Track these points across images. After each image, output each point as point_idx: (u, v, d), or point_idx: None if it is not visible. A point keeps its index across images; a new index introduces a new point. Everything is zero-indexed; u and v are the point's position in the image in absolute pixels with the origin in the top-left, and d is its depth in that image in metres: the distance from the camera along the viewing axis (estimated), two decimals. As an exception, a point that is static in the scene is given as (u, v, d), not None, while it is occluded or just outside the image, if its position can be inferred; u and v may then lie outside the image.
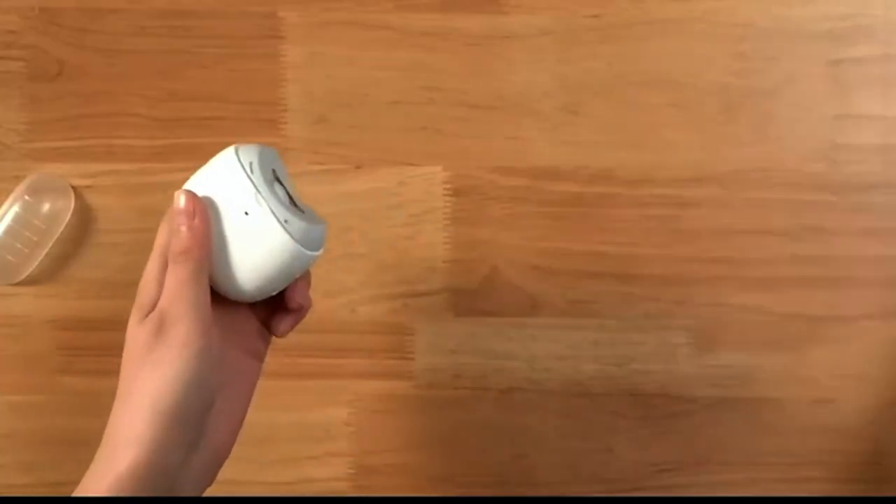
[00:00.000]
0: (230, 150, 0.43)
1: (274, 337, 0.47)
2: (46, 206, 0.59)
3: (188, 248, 0.42)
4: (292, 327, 0.46)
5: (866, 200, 0.60)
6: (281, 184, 0.44)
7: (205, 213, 0.42)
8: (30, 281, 0.59)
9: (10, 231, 0.58)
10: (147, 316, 0.42)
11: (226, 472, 0.60)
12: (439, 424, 0.60)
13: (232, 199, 0.43)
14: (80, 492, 0.40)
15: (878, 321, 0.60)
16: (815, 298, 0.60)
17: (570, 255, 0.60)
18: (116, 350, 0.59)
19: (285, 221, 0.42)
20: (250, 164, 0.43)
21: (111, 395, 0.59)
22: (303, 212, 0.44)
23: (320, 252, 0.44)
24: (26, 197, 0.59)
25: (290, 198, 0.44)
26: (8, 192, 0.59)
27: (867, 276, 0.60)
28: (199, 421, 0.42)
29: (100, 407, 0.59)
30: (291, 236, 0.42)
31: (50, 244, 0.59)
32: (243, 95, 0.60)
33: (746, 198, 0.60)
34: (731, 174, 0.60)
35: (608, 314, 0.60)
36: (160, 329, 0.41)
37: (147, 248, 0.59)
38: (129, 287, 0.59)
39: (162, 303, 0.42)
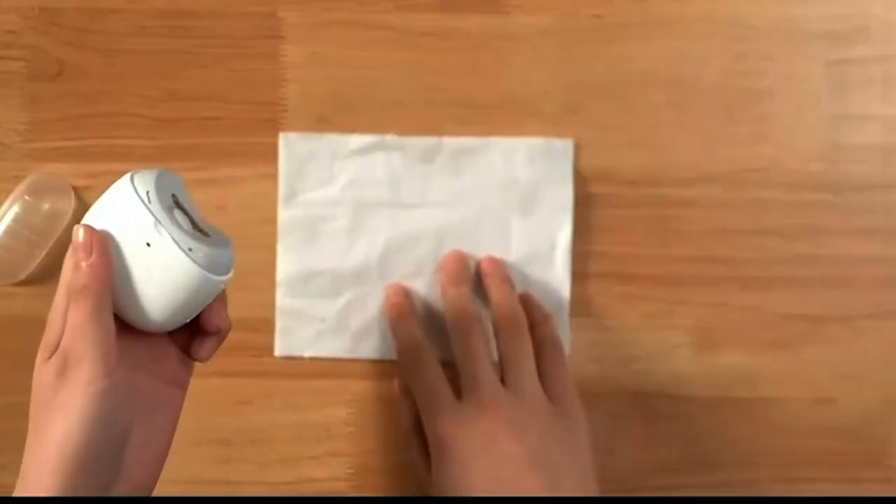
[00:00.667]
0: (126, 179, 0.43)
1: (197, 361, 0.46)
2: (46, 206, 0.59)
3: (86, 284, 0.41)
4: (214, 351, 0.46)
5: (866, 200, 0.60)
6: (182, 209, 0.44)
7: (103, 247, 0.41)
8: (30, 281, 0.59)
9: (10, 231, 0.58)
10: (51, 355, 0.41)
11: (225, 472, 0.60)
12: (439, 424, 0.60)
13: (132, 230, 0.42)
14: None
15: (878, 321, 0.60)
16: (815, 298, 0.60)
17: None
18: (116, 350, 0.59)
19: (189, 249, 0.42)
20: (147, 192, 0.42)
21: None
22: (208, 235, 0.44)
23: (230, 275, 0.44)
24: (26, 197, 0.59)
25: (193, 223, 0.44)
26: (8, 192, 0.59)
27: (867, 276, 0.60)
28: (111, 461, 0.41)
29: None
30: (197, 264, 0.42)
31: (50, 244, 0.59)
32: (243, 95, 0.60)
33: (746, 198, 0.60)
34: (731, 174, 0.60)
35: (608, 314, 0.60)
36: (63, 370, 0.41)
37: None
38: (129, 287, 0.59)
39: (64, 342, 0.41)
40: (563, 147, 0.59)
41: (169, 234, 0.42)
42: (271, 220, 0.59)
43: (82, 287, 0.41)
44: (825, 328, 0.60)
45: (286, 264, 0.59)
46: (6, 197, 0.59)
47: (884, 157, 0.60)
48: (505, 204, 0.60)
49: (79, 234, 0.42)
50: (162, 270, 0.42)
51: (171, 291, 0.42)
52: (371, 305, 0.60)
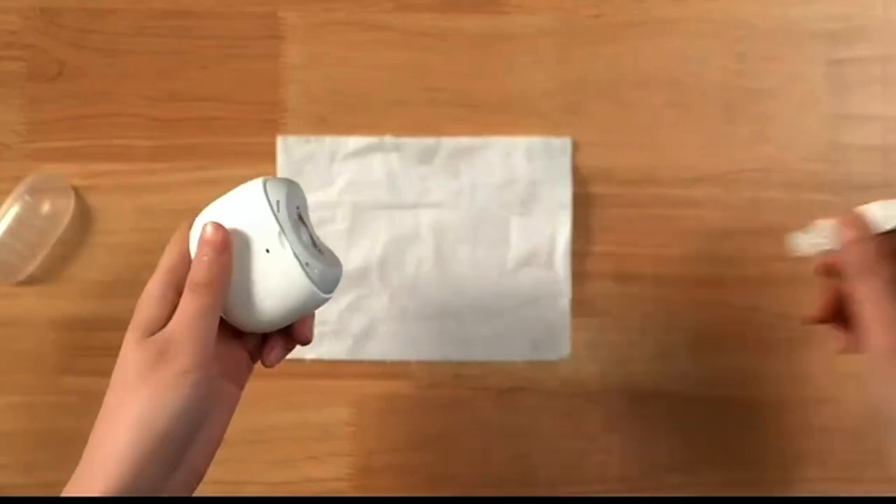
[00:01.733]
0: (258, 184, 0.43)
1: (264, 366, 0.46)
2: (46, 206, 0.59)
3: (210, 281, 0.42)
4: (281, 358, 0.47)
5: (866, 200, 0.60)
6: (304, 224, 0.44)
7: (229, 248, 0.42)
8: (30, 281, 0.59)
9: (10, 231, 0.58)
10: (149, 336, 0.42)
11: (226, 472, 0.60)
12: (439, 424, 0.60)
13: (256, 234, 0.43)
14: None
15: (878, 321, 0.60)
16: (815, 298, 0.60)
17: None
18: (116, 350, 0.59)
19: (306, 264, 0.43)
20: (277, 202, 0.43)
21: (111, 395, 0.59)
22: (322, 253, 0.44)
23: (333, 294, 0.45)
24: (26, 197, 0.59)
25: (312, 238, 0.44)
26: (8, 192, 0.59)
27: (867, 276, 0.60)
28: (184, 447, 0.42)
29: (100, 407, 0.59)
30: (311, 279, 0.43)
31: (50, 244, 0.59)
32: (243, 95, 0.60)
33: (746, 198, 0.60)
34: (731, 174, 0.60)
35: (608, 314, 0.60)
36: (162, 354, 0.41)
37: (147, 248, 0.59)
38: (129, 287, 0.59)
39: (171, 328, 0.42)
40: (562, 146, 0.59)
41: (290, 245, 0.42)
42: (271, 220, 0.59)
43: (205, 282, 0.42)
44: (825, 328, 0.60)
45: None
46: (6, 197, 0.59)
47: (884, 157, 0.60)
48: (504, 204, 0.60)
49: (208, 230, 0.42)
50: (276, 278, 0.43)
51: (279, 299, 0.43)
52: (372, 307, 0.60)
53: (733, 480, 0.60)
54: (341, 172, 0.59)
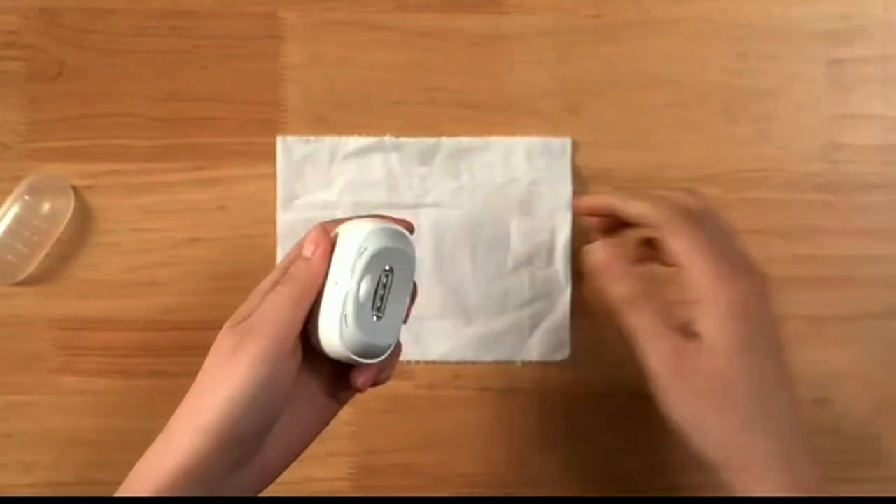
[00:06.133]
0: (370, 224, 0.44)
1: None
2: (46, 206, 0.59)
3: (298, 276, 0.43)
4: (368, 383, 0.46)
5: (866, 200, 0.60)
6: (381, 286, 0.44)
7: (328, 252, 0.43)
8: (30, 281, 0.59)
9: (10, 231, 0.58)
10: (239, 324, 0.43)
11: (226, 472, 0.60)
12: (439, 424, 0.60)
13: (339, 262, 0.43)
14: (126, 485, 0.42)
15: (878, 321, 0.60)
16: (815, 298, 0.60)
17: (570, 255, 0.60)
18: (117, 350, 0.60)
19: (345, 315, 0.43)
20: (366, 249, 0.43)
21: (111, 394, 0.59)
22: (376, 320, 0.44)
23: (376, 360, 0.44)
24: (26, 197, 0.59)
25: (378, 302, 0.44)
26: (8, 192, 0.59)
27: (867, 276, 0.60)
28: (255, 437, 0.42)
29: (99, 407, 0.59)
30: (340, 333, 0.43)
31: (50, 244, 0.59)
32: (243, 95, 0.60)
33: (746, 198, 0.60)
34: (730, 174, 0.60)
35: (608, 314, 0.60)
36: (242, 341, 0.42)
37: (147, 248, 0.59)
38: (129, 287, 0.59)
39: (254, 316, 0.43)
40: (562, 145, 0.59)
41: (344, 290, 0.43)
42: (271, 220, 0.59)
43: (299, 276, 0.43)
44: (825, 328, 0.60)
45: (285, 265, 0.59)
46: (6, 197, 0.59)
47: (884, 157, 0.60)
48: (504, 204, 0.60)
49: (314, 230, 0.44)
50: (324, 313, 0.43)
51: (321, 335, 0.43)
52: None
53: (733, 480, 0.60)
54: (341, 172, 0.59)
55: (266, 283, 0.44)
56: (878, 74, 0.60)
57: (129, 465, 0.59)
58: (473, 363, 0.60)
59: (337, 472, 0.60)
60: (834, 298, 0.60)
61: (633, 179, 0.60)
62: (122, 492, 0.42)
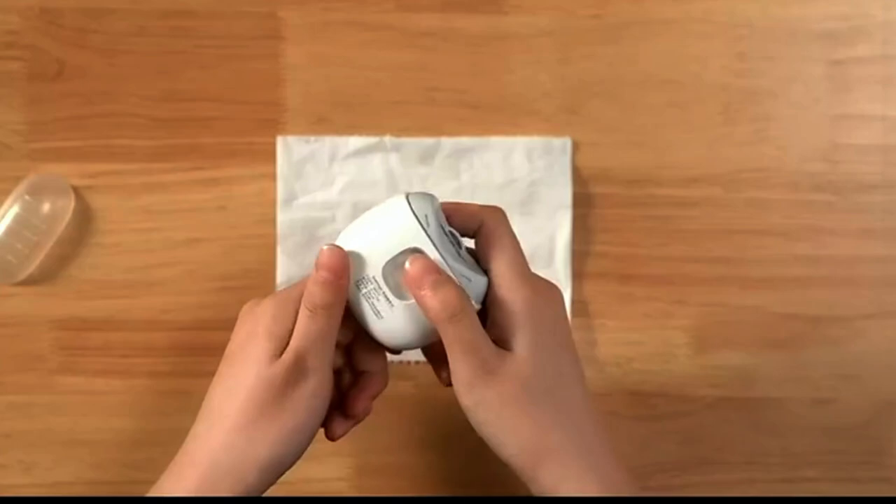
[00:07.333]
0: (402, 201, 0.43)
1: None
2: (46, 206, 0.59)
3: (330, 304, 0.42)
4: (346, 429, 0.48)
5: (866, 200, 0.60)
6: (447, 233, 0.44)
7: (347, 271, 0.43)
8: (30, 281, 0.59)
9: (10, 231, 0.58)
10: (280, 351, 0.43)
11: (226, 472, 0.60)
12: (439, 424, 0.60)
13: (407, 253, 0.42)
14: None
15: (878, 321, 0.60)
16: (815, 298, 0.60)
17: (570, 255, 0.60)
18: (116, 350, 0.60)
19: (468, 280, 0.42)
20: (426, 216, 0.42)
21: (110, 394, 0.59)
22: (466, 261, 0.44)
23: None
24: (26, 197, 0.59)
25: (457, 246, 0.44)
26: (8, 192, 0.59)
27: (867, 276, 0.60)
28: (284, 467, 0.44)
29: (99, 407, 0.59)
30: (471, 296, 0.42)
31: (50, 244, 0.59)
32: (243, 95, 0.60)
33: (746, 198, 0.60)
34: (730, 174, 0.60)
35: (608, 314, 0.60)
36: (294, 374, 0.42)
37: (147, 248, 0.59)
38: (128, 287, 0.59)
39: (299, 348, 0.43)
40: (562, 146, 0.59)
41: (449, 265, 0.42)
42: (271, 220, 0.59)
43: (327, 304, 0.42)
44: (825, 328, 0.60)
45: (286, 267, 0.59)
46: (6, 197, 0.59)
47: (884, 157, 0.60)
48: (504, 204, 0.59)
49: (328, 253, 0.43)
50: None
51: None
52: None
53: (733, 480, 0.60)
54: (341, 172, 0.59)
55: (293, 297, 0.44)
56: (878, 74, 0.60)
57: (129, 465, 0.59)
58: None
59: (336, 472, 0.60)
60: (834, 298, 0.60)
61: (633, 179, 0.60)
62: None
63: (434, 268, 0.42)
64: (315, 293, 0.42)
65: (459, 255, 0.44)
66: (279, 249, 0.59)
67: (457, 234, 0.44)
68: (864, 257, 0.60)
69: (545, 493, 0.44)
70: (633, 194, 0.60)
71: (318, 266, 0.43)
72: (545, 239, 0.59)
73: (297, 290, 0.44)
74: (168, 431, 0.59)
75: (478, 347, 0.42)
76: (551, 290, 0.45)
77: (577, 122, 0.60)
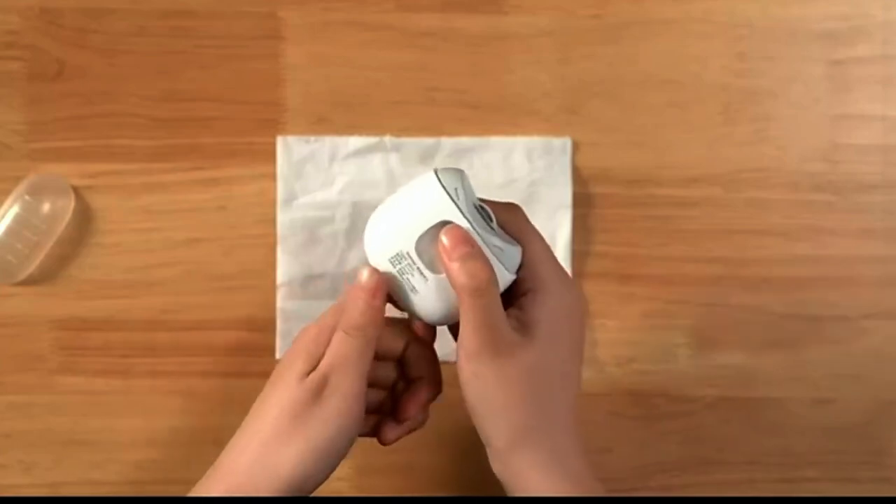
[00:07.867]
0: (432, 177, 0.43)
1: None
2: (46, 206, 0.59)
3: (363, 325, 0.43)
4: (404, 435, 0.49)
5: (866, 200, 0.60)
6: (477, 207, 0.44)
7: (384, 291, 0.43)
8: (30, 281, 0.59)
9: (10, 231, 0.58)
10: (310, 371, 0.43)
11: (226, 472, 0.60)
12: (439, 424, 0.60)
13: (439, 227, 0.42)
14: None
15: (878, 321, 0.60)
16: (815, 298, 0.60)
17: (570, 255, 0.60)
18: (116, 350, 0.60)
19: (500, 250, 0.43)
20: (455, 189, 0.42)
21: (110, 394, 0.59)
22: (496, 231, 0.44)
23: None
24: (26, 197, 0.59)
25: (488, 220, 0.44)
26: (8, 192, 0.59)
27: (867, 276, 0.60)
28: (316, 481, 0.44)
29: (99, 407, 0.59)
30: (503, 264, 0.43)
31: (50, 244, 0.59)
32: (243, 95, 0.60)
33: (746, 198, 0.60)
34: (730, 174, 0.60)
35: (608, 314, 0.60)
36: (320, 392, 0.42)
37: (147, 248, 0.59)
38: (128, 287, 0.59)
39: (326, 366, 0.43)
40: (562, 145, 0.59)
41: (480, 236, 0.42)
42: (271, 220, 0.59)
43: (359, 326, 0.43)
44: (825, 328, 0.60)
45: (286, 267, 0.59)
46: (6, 197, 0.59)
47: (884, 157, 0.60)
48: (504, 204, 0.60)
49: (364, 274, 0.43)
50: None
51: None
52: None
53: (733, 480, 0.60)
54: (341, 172, 0.59)
55: (329, 322, 0.44)
56: (878, 74, 0.60)
57: (129, 465, 0.59)
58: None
59: (337, 472, 0.60)
60: (834, 298, 0.60)
61: (633, 179, 0.60)
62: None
63: (468, 239, 0.42)
64: (349, 314, 0.43)
65: (491, 227, 0.44)
66: (279, 249, 0.59)
67: (487, 209, 0.44)
68: (864, 257, 0.60)
69: (511, 476, 0.44)
70: (633, 194, 0.60)
71: (356, 288, 0.43)
72: (545, 239, 0.59)
73: (330, 318, 0.44)
74: (168, 431, 0.59)
75: (493, 326, 0.42)
76: (576, 287, 0.46)
77: (577, 122, 0.60)
